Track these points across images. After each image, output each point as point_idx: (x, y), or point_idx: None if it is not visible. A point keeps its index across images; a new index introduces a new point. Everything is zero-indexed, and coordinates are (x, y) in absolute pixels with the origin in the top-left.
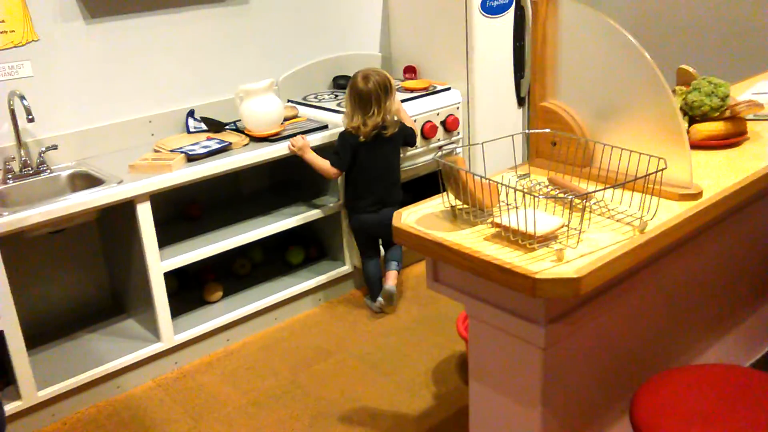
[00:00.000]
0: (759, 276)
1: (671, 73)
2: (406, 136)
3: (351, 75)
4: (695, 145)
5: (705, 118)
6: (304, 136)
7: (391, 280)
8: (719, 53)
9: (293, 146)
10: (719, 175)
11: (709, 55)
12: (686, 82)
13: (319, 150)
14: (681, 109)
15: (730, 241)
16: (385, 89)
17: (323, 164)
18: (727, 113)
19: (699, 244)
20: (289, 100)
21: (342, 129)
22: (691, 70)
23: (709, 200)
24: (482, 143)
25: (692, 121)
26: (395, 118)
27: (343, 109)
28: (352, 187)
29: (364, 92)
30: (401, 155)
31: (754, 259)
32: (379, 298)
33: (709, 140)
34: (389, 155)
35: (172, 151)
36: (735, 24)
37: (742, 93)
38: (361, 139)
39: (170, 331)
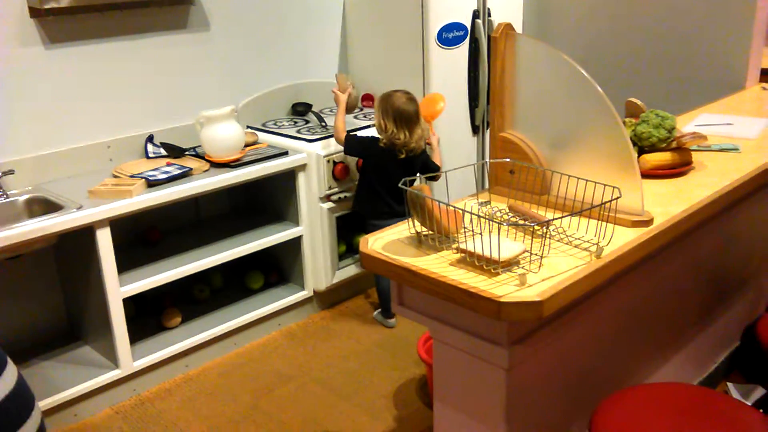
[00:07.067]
0: (704, 298)
1: (620, 106)
2: (426, 162)
3: (308, 102)
4: (644, 174)
5: (653, 148)
6: (350, 91)
7: None
8: (664, 87)
9: (336, 90)
10: (668, 202)
11: (654, 89)
12: (634, 114)
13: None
14: (630, 140)
15: (678, 265)
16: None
17: (340, 125)
18: (674, 144)
19: (650, 268)
20: (248, 126)
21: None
22: (638, 102)
23: (659, 227)
24: (445, 172)
25: (641, 151)
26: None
27: (305, 137)
28: (370, 193)
29: (410, 112)
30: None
31: (700, 281)
32: (394, 320)
33: (657, 170)
34: (409, 173)
35: (132, 176)
36: (677, 59)
37: (686, 125)
38: (402, 155)
39: (128, 358)
